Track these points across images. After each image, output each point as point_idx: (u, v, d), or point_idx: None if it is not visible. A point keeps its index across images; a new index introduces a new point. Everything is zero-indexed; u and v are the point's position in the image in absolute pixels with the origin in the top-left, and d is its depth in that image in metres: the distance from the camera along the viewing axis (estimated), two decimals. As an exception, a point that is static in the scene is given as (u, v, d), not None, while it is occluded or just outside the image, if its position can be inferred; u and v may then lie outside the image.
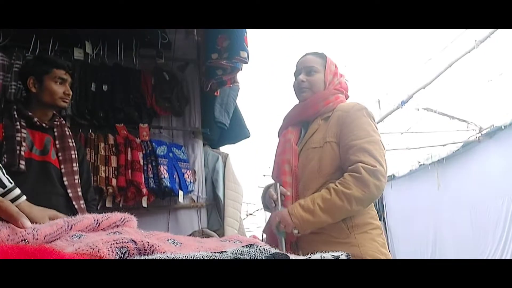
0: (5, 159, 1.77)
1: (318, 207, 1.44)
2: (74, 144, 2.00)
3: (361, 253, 1.43)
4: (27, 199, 1.27)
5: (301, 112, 1.74)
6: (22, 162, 1.79)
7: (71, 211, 1.86)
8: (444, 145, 7.27)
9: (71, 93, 1.93)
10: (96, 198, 2.17)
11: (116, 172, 2.64)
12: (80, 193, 1.94)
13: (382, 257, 1.49)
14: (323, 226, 1.46)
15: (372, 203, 1.58)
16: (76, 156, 1.98)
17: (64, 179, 1.91)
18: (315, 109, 1.68)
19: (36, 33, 2.67)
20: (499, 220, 6.10)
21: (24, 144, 1.82)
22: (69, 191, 1.90)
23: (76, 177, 1.95)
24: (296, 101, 1.81)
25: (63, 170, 1.92)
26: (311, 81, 1.71)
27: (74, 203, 1.89)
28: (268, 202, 1.64)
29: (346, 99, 1.76)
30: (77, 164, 1.97)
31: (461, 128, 6.82)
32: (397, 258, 8.59)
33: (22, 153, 1.80)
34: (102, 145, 2.69)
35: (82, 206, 1.92)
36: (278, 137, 1.84)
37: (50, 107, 1.93)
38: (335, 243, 1.45)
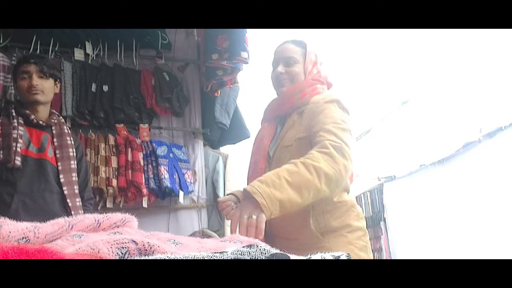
0: (1, 156, 1.78)
1: (285, 181, 1.17)
2: (72, 142, 2.00)
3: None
4: (21, 196, 1.27)
5: (277, 106, 1.60)
6: (18, 158, 1.80)
7: (65, 209, 1.87)
8: (444, 146, 7.27)
9: (35, 83, 1.88)
10: (93, 197, 2.17)
11: (116, 172, 2.64)
12: (76, 191, 1.94)
13: None
14: (292, 208, 1.19)
15: (356, 204, 1.47)
16: (74, 154, 1.98)
17: (61, 176, 1.91)
18: (290, 102, 1.54)
19: (36, 33, 2.68)
20: (499, 220, 6.09)
21: (20, 141, 1.83)
22: (64, 188, 1.90)
23: (73, 174, 1.95)
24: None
25: (60, 168, 1.92)
26: (290, 73, 1.56)
27: (68, 200, 1.89)
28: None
29: (329, 88, 1.63)
30: (75, 162, 1.97)
31: (462, 128, 6.81)
32: (397, 258, 8.59)
33: (18, 149, 1.81)
34: (103, 145, 2.69)
35: (78, 203, 1.92)
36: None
37: (31, 103, 1.92)
38: (307, 249, 1.20)
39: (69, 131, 2.03)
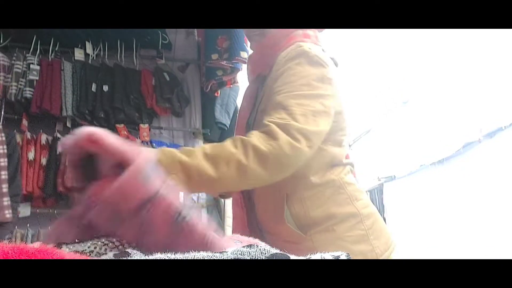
0: None
1: (200, 150, 0.93)
2: (3, 138, 1.92)
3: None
4: None
5: (251, 66, 1.29)
6: None
7: None
8: (444, 146, 7.27)
9: None
10: (19, 193, 2.06)
11: (116, 172, 2.63)
12: (5, 189, 1.85)
13: (353, 258, 1.02)
14: (201, 179, 0.91)
15: (345, 186, 1.12)
16: (5, 150, 1.90)
17: None
18: (264, 61, 1.20)
19: (37, 33, 2.68)
20: (499, 220, 6.09)
21: None
22: None
23: (2, 173, 1.87)
24: None
25: None
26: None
27: None
28: None
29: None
30: (6, 160, 1.88)
31: (462, 128, 6.82)
32: (397, 258, 8.58)
33: None
34: (103, 145, 2.69)
35: (6, 203, 1.84)
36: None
37: None
38: (293, 249, 0.85)
39: (0, 126, 1.95)
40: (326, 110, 1.05)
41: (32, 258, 0.44)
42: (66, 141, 0.67)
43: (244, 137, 0.96)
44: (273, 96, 1.05)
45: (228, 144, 0.95)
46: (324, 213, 1.08)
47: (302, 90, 1.04)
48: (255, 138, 0.95)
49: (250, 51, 1.36)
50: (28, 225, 2.54)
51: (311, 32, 1.20)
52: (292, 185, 1.07)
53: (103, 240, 0.68)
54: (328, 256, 0.57)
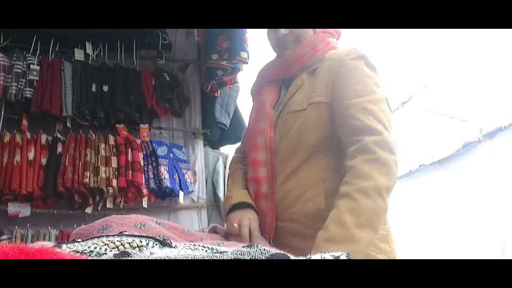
0: None
1: (354, 228, 0.98)
2: None
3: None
4: None
5: (283, 68, 1.32)
6: None
7: None
8: (444, 146, 7.27)
9: None
10: None
11: (116, 172, 2.64)
12: None
13: (381, 256, 1.12)
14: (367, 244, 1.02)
15: None
16: None
17: None
18: (300, 63, 1.27)
19: (37, 34, 2.68)
20: (499, 220, 6.09)
21: None
22: None
23: None
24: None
25: None
26: (296, 32, 1.27)
27: None
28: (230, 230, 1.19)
29: (338, 38, 1.38)
30: None
31: (462, 128, 6.81)
32: (397, 258, 8.57)
33: None
34: (103, 145, 2.69)
35: None
36: (252, 96, 1.48)
37: None
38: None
39: None
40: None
41: (32, 258, 0.44)
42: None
43: (370, 182, 1.03)
44: (352, 94, 1.14)
45: (363, 201, 1.01)
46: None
47: (376, 93, 1.15)
48: (379, 177, 1.03)
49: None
50: (28, 225, 2.54)
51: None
52: (335, 182, 1.14)
53: (103, 240, 0.68)
54: (328, 256, 0.57)
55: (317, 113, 1.19)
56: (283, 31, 1.27)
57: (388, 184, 1.05)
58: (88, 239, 0.71)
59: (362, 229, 0.98)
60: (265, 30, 1.35)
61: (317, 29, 1.31)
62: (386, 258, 1.15)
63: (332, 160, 1.18)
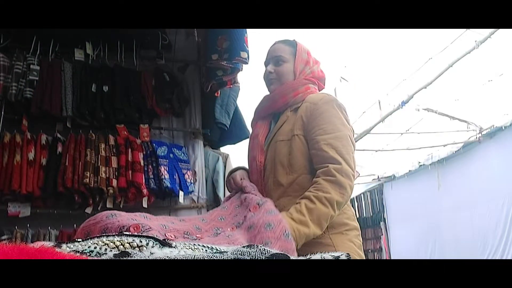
0: None
1: (308, 218, 1.31)
2: None
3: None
4: None
5: (270, 104, 1.63)
6: None
7: None
8: (444, 146, 7.27)
9: None
10: None
11: (116, 172, 2.64)
12: None
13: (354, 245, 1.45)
14: (310, 238, 1.33)
15: (350, 204, 1.53)
16: None
17: None
18: (283, 100, 1.58)
19: (37, 34, 2.68)
20: (499, 220, 6.09)
21: None
22: None
23: None
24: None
25: None
26: (279, 72, 1.60)
27: None
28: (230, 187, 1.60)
29: (321, 89, 1.67)
30: None
31: (462, 128, 6.81)
32: (397, 258, 8.58)
33: None
34: (103, 145, 2.69)
35: None
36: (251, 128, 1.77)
37: None
38: (310, 242, 1.32)
39: None
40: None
41: (32, 258, 0.44)
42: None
43: (326, 195, 1.34)
44: (320, 132, 1.45)
45: (319, 205, 1.33)
46: (339, 222, 1.44)
47: (342, 130, 1.45)
48: (333, 193, 1.35)
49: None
50: (28, 225, 2.54)
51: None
52: None
53: (103, 240, 0.68)
54: (327, 256, 0.57)
55: (299, 142, 1.49)
56: (269, 68, 1.62)
57: (340, 200, 1.35)
58: (88, 239, 0.71)
59: (312, 222, 1.31)
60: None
61: (298, 74, 1.60)
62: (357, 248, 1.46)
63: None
